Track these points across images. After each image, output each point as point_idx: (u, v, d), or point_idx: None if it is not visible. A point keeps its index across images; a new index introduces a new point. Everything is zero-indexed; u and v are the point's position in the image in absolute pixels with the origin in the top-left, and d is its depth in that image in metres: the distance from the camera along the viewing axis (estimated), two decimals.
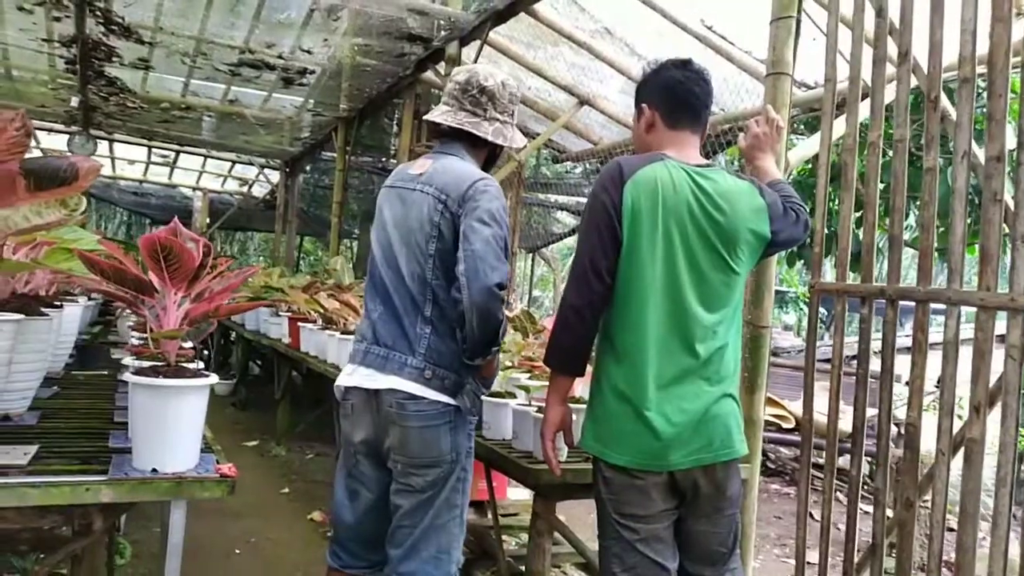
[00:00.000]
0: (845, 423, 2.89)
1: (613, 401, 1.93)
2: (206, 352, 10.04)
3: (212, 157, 11.13)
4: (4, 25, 5.84)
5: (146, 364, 1.96)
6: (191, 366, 2.02)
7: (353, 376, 2.21)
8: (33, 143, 9.91)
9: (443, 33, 5.32)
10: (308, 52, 6.00)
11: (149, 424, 1.85)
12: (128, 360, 2.24)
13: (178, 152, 10.73)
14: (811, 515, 2.86)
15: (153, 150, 10.65)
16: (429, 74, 5.97)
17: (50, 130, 9.41)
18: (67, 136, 8.94)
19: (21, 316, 1.95)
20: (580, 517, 4.70)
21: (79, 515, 1.79)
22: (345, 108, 7.54)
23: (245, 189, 12.74)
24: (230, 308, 1.96)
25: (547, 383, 2.62)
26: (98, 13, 5.19)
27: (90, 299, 4.15)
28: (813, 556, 2.66)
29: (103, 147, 10.10)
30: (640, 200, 1.89)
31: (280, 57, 6.07)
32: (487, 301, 2.02)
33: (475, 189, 2.14)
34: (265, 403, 7.06)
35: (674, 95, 2.06)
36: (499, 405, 2.70)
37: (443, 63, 5.38)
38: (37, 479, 1.71)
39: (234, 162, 11.44)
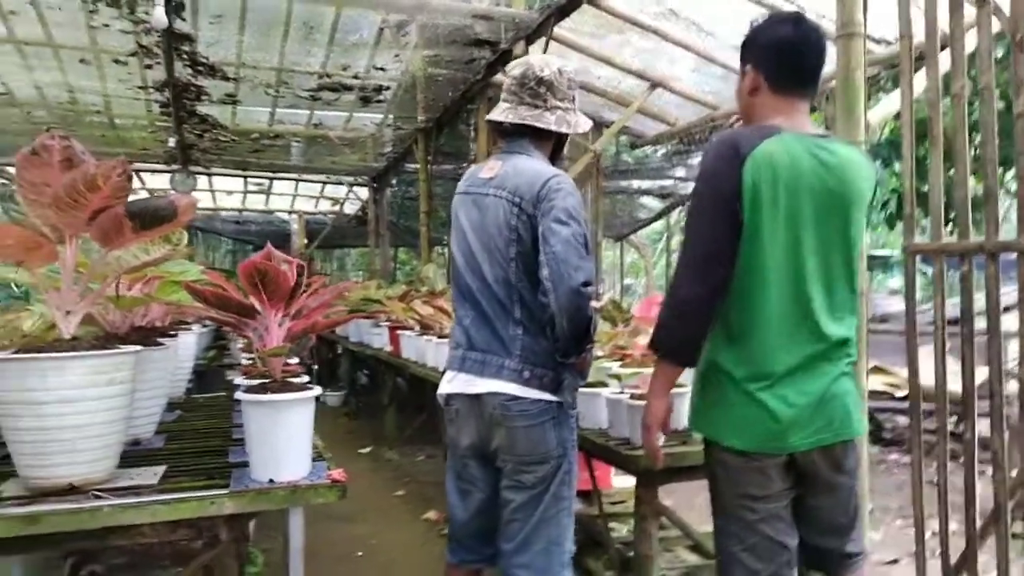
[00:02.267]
0: (956, 386, 2.78)
1: (730, 386, 1.86)
2: (315, 367, 10.45)
3: (304, 180, 11.57)
4: (105, 79, 6.26)
5: (255, 382, 2.09)
6: (297, 380, 2.14)
7: (454, 383, 2.26)
8: (139, 184, 10.56)
9: (509, 34, 5.37)
10: (382, 69, 6.18)
11: (262, 437, 1.97)
12: (239, 380, 2.38)
13: (271, 179, 11.20)
14: (932, 483, 2.75)
15: (248, 179, 11.15)
16: (499, 76, 6.03)
17: (153, 170, 9.98)
18: (169, 175, 9.46)
19: (140, 347, 2.11)
20: (687, 500, 4.68)
21: (206, 528, 1.92)
22: (422, 119, 7.70)
23: (337, 208, 13.17)
24: (327, 323, 2.07)
25: (638, 371, 2.65)
26: (184, 56, 5.49)
27: (203, 326, 4.40)
28: (935, 525, 2.57)
29: (203, 181, 10.65)
30: (760, 179, 1.77)
31: (356, 77, 6.28)
32: (574, 302, 2.02)
33: (548, 188, 2.14)
34: (375, 411, 7.29)
35: (782, 58, 1.90)
36: (592, 395, 2.73)
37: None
38: (166, 496, 1.85)
39: (324, 183, 11.84)
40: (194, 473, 2.07)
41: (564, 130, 2.28)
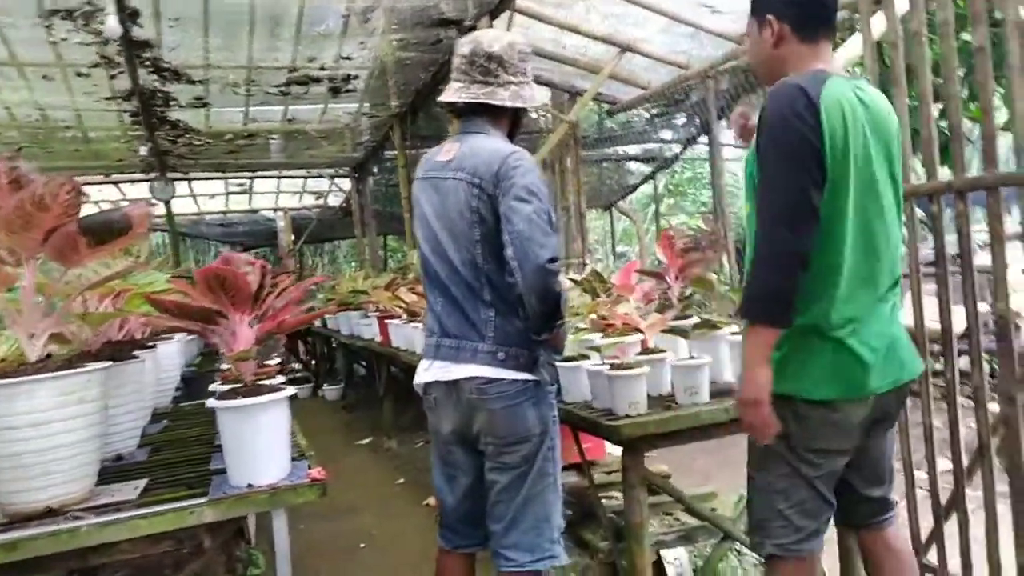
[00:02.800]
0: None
1: (814, 336, 1.83)
2: (313, 362, 10.46)
3: (285, 177, 11.50)
4: (73, 93, 6.19)
5: (227, 388, 2.08)
6: (271, 382, 2.13)
7: (430, 371, 2.25)
8: (119, 196, 10.49)
9: (473, 11, 5.31)
10: (348, 59, 6.11)
11: (237, 442, 1.96)
12: (214, 386, 2.37)
13: (252, 178, 11.14)
14: (937, 427, 2.76)
15: (229, 180, 11.09)
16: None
17: (132, 180, 9.91)
18: (147, 184, 9.40)
19: (108, 364, 2.09)
20: (685, 464, 4.69)
21: (188, 538, 1.92)
22: (396, 105, 7.63)
23: (321, 201, 13.11)
24: (294, 321, 2.05)
25: (618, 340, 2.64)
26: (147, 63, 5.43)
27: (189, 334, 4.38)
28: (941, 465, 2.56)
29: (183, 187, 10.56)
30: (836, 124, 1.74)
31: (323, 68, 6.21)
32: (541, 280, 2.01)
33: (507, 166, 2.11)
34: (373, 402, 7.30)
35: (807, 3, 1.88)
36: (573, 368, 2.72)
37: None
38: (145, 510, 1.84)
39: (306, 177, 11.78)
40: (175, 484, 2.05)
41: (519, 104, 2.25)
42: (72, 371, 1.87)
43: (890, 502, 2.08)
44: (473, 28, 5.37)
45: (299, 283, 2.22)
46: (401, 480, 5.27)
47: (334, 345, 9.17)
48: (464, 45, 2.26)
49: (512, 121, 2.34)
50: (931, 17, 2.60)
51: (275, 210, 12.62)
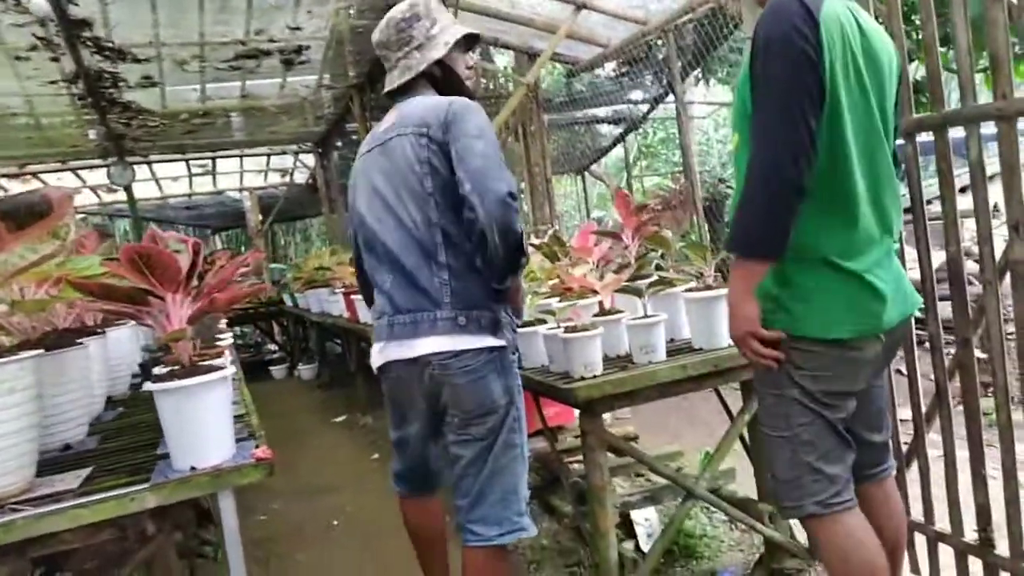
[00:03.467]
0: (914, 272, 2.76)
1: (827, 271, 1.74)
2: (287, 342, 10.38)
3: (247, 156, 11.28)
4: (19, 77, 5.97)
5: (165, 370, 2.02)
6: (213, 363, 2.06)
7: (386, 351, 2.19)
8: (79, 183, 10.27)
9: None
10: (298, 29, 5.95)
11: (178, 425, 1.90)
12: (156, 370, 2.30)
13: (214, 158, 10.92)
14: (898, 371, 2.75)
15: (190, 162, 10.87)
16: None
17: (90, 167, 9.69)
18: (105, 169, 9.20)
19: (40, 351, 2.02)
20: (658, 424, 4.70)
21: (132, 525, 1.87)
22: (354, 75, 7.47)
23: (287, 179, 12.91)
24: (226, 298, 1.98)
25: (572, 303, 2.60)
26: (88, 43, 5.25)
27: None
28: (905, 413, 2.55)
29: (144, 171, 10.34)
30: (835, 44, 1.63)
31: (272, 41, 6.04)
32: (503, 212, 1.96)
33: (451, 111, 2.09)
34: (348, 380, 7.26)
35: None
36: (531, 334, 2.68)
37: None
38: (86, 499, 1.79)
39: (269, 155, 11.56)
40: (120, 471, 2.00)
41: (407, 77, 2.23)
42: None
43: (889, 448, 2.05)
44: None
45: (234, 260, 2.15)
46: (376, 456, 5.25)
47: (307, 324, 9.09)
48: (376, 35, 2.30)
49: (444, 77, 2.30)
50: None
51: (240, 190, 12.41)
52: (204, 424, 1.90)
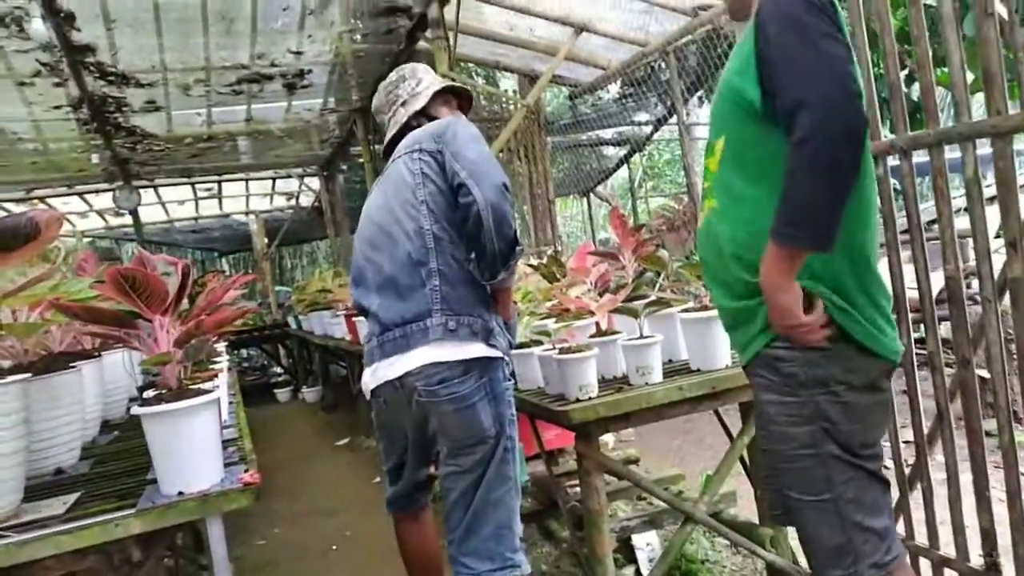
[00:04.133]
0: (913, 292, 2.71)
1: (867, 272, 1.61)
2: (293, 364, 10.36)
3: (253, 179, 11.34)
4: (26, 103, 6.01)
5: (153, 394, 2.00)
6: (201, 386, 2.04)
7: (377, 372, 2.18)
8: (86, 207, 10.32)
9: None
10: (300, 53, 5.98)
11: (165, 450, 1.88)
12: (146, 393, 2.28)
13: (219, 182, 10.98)
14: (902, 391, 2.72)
15: (196, 185, 10.92)
16: (422, 44, 5.88)
17: (96, 191, 9.74)
18: (111, 193, 9.26)
19: (27, 375, 2.00)
20: (661, 446, 4.65)
21: (117, 551, 1.84)
22: (357, 99, 7.52)
23: (292, 202, 12.96)
24: (214, 321, 1.96)
25: (567, 324, 2.57)
26: (91, 68, 5.29)
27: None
28: (908, 435, 2.49)
29: (150, 195, 10.40)
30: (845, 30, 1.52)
31: (274, 65, 6.08)
32: (498, 198, 1.99)
33: (445, 126, 2.17)
34: (351, 402, 7.23)
35: None
36: (526, 355, 2.65)
37: (429, 28, 5.29)
38: (71, 525, 1.76)
39: (274, 178, 11.62)
40: (108, 497, 1.98)
41: (421, 104, 2.34)
42: None
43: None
44: (424, 16, 5.28)
45: (224, 282, 2.14)
46: (377, 479, 5.20)
47: (311, 347, 9.08)
48: (375, 101, 2.49)
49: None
50: None
51: (247, 213, 12.45)
52: (191, 448, 1.88)
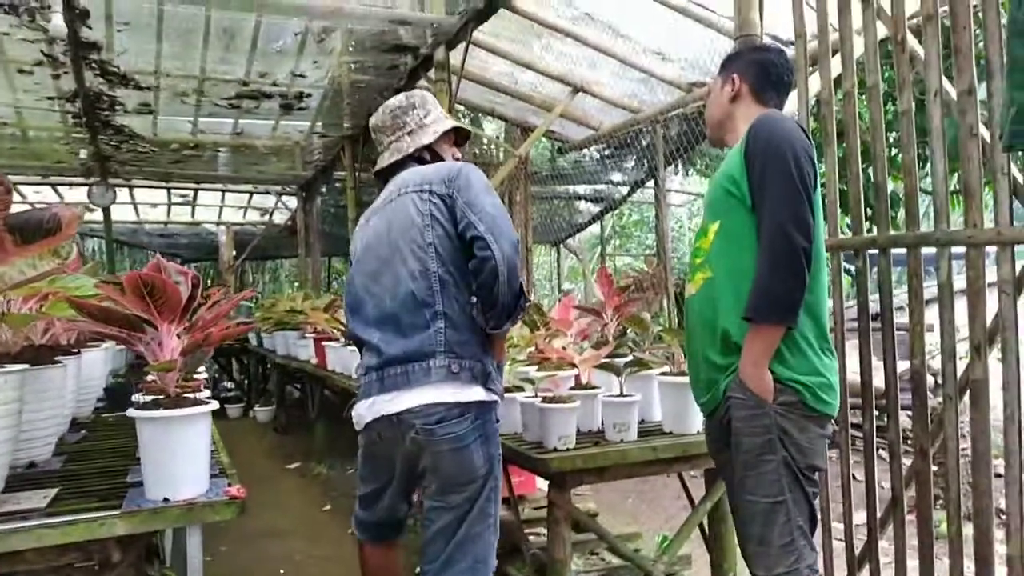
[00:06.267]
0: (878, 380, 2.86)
1: (824, 355, 1.97)
2: (246, 382, 10.23)
3: (230, 191, 11.31)
4: (14, 90, 6.00)
5: (149, 398, 2.03)
6: (196, 395, 2.08)
7: (374, 406, 2.15)
8: (57, 199, 10.18)
9: (430, 40, 5.35)
10: (302, 76, 6.08)
11: (156, 455, 1.91)
12: (137, 396, 2.31)
13: (196, 190, 10.93)
14: (854, 477, 2.83)
15: (172, 191, 10.85)
16: (423, 83, 6.02)
17: (71, 184, 9.63)
18: (86, 188, 9.16)
19: (26, 366, 2.02)
20: (616, 504, 4.72)
21: (98, 550, 1.85)
22: (348, 127, 7.61)
23: (266, 218, 12.92)
24: (221, 334, 2.01)
25: (551, 373, 2.66)
26: (94, 65, 5.31)
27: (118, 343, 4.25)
28: (861, 517, 2.62)
29: (123, 194, 10.30)
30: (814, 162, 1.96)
31: (275, 84, 6.16)
32: (514, 255, 2.04)
33: (457, 172, 2.17)
34: (305, 425, 7.17)
35: (768, 74, 2.14)
36: (508, 400, 2.72)
37: (433, 69, 5.42)
38: (54, 520, 1.78)
39: (251, 193, 11.60)
40: (88, 495, 1.99)
41: (396, 158, 2.33)
42: None
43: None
44: (430, 57, 5.42)
45: (231, 297, 2.19)
46: (328, 507, 5.17)
47: (268, 365, 8.99)
48: (374, 119, 2.44)
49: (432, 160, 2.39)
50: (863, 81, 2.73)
51: (218, 224, 12.37)
52: (183, 456, 1.91)
